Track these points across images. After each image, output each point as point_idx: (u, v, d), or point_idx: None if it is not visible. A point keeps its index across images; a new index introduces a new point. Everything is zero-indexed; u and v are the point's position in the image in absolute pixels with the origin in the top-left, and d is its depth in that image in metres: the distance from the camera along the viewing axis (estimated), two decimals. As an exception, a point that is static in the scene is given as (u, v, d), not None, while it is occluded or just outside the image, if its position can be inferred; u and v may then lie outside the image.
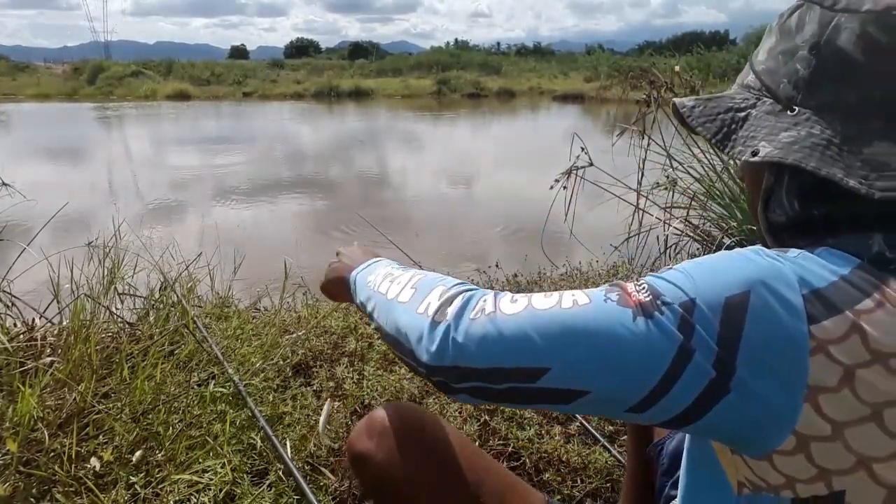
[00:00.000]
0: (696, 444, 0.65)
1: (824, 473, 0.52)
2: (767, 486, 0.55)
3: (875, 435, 0.50)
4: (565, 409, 0.58)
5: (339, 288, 0.90)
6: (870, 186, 0.54)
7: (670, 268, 0.57)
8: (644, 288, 0.55)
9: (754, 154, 0.59)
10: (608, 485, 1.53)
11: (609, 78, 26.10)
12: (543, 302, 0.57)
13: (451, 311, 0.59)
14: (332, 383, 1.88)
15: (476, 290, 0.63)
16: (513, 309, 0.57)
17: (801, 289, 0.51)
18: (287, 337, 2.10)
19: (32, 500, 1.33)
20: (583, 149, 3.58)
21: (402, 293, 0.68)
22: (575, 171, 3.59)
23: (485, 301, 0.59)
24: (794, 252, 0.55)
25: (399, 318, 0.65)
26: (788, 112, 0.60)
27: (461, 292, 0.62)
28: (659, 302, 0.53)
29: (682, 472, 0.69)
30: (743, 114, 0.63)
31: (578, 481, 1.54)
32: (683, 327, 0.52)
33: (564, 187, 3.60)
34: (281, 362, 1.93)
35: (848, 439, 0.50)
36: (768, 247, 0.60)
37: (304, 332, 2.14)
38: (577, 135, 3.63)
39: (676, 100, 0.69)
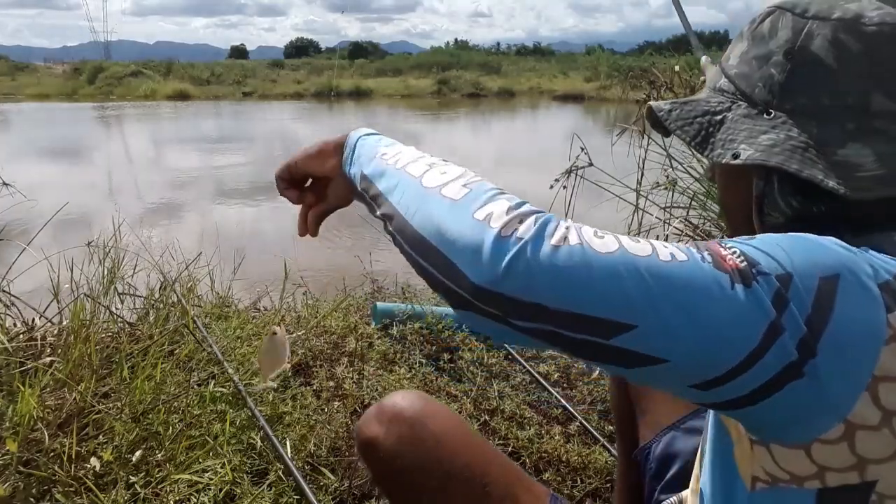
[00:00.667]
0: (715, 437, 0.64)
1: (862, 462, 0.52)
2: (791, 478, 0.54)
3: None
4: (623, 374, 0.52)
5: (321, 156, 0.77)
6: (846, 187, 0.56)
7: (753, 237, 0.53)
8: (736, 253, 0.50)
9: (735, 157, 0.60)
10: (608, 485, 1.53)
11: (609, 78, 26.11)
12: (636, 247, 0.49)
13: (526, 229, 0.49)
14: (331, 383, 1.88)
15: (547, 213, 0.53)
16: (603, 247, 0.49)
17: (875, 279, 0.51)
18: (287, 337, 2.10)
19: (32, 500, 1.33)
20: (582, 149, 3.58)
21: (447, 186, 0.56)
22: (575, 171, 3.59)
23: (567, 228, 0.50)
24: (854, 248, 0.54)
25: (444, 217, 0.53)
26: (765, 115, 0.62)
27: (533, 212, 0.52)
28: (755, 271, 0.49)
29: (705, 466, 0.68)
30: (719, 117, 0.64)
31: (578, 481, 1.54)
32: (777, 302, 0.48)
33: (564, 187, 3.60)
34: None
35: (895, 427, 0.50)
36: None
37: (303, 332, 2.14)
38: (577, 135, 3.63)
39: (653, 103, 0.69)
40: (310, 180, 0.84)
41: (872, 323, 0.49)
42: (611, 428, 1.77)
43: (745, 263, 0.49)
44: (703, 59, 0.75)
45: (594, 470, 1.56)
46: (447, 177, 0.58)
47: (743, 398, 0.50)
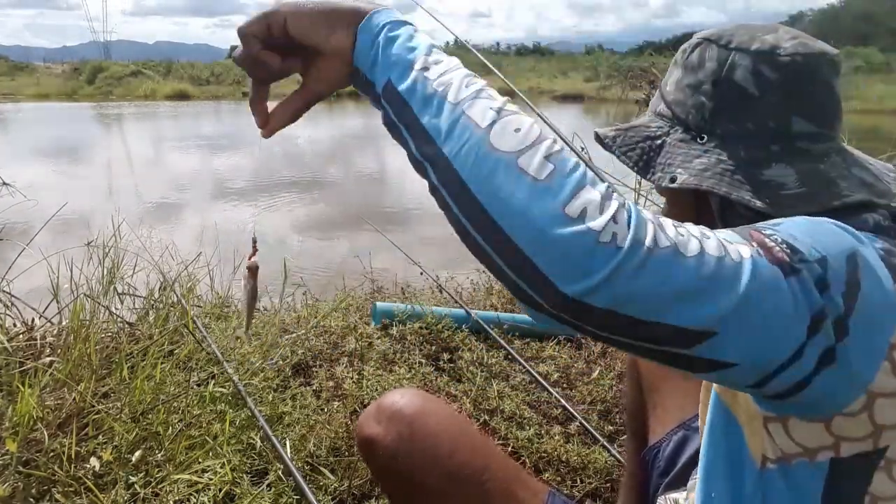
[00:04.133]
0: (718, 423, 0.65)
1: (878, 430, 0.54)
2: (803, 452, 0.56)
3: None
4: (687, 374, 0.49)
5: (326, 22, 0.55)
6: (773, 205, 0.60)
7: (779, 222, 0.52)
8: (778, 241, 0.49)
9: (672, 181, 0.65)
10: (608, 485, 1.53)
11: (609, 78, 26.12)
12: (711, 246, 0.46)
13: (622, 232, 0.43)
14: (331, 383, 1.88)
15: (639, 210, 0.47)
16: (688, 248, 0.45)
17: (876, 252, 0.53)
18: (286, 337, 2.10)
19: (32, 500, 1.33)
20: (583, 148, 3.58)
21: (525, 155, 0.46)
22: None
23: (654, 226, 0.45)
24: None
25: (526, 203, 0.44)
26: (698, 140, 0.67)
27: (619, 203, 0.45)
28: (797, 259, 0.48)
29: (701, 454, 0.69)
30: (659, 142, 0.69)
31: (578, 481, 1.54)
32: (821, 287, 0.47)
33: None
34: (280, 362, 1.93)
35: None
36: None
37: (303, 331, 2.14)
38: (578, 134, 3.63)
39: (599, 130, 0.74)
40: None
41: (888, 293, 0.51)
42: (611, 428, 1.77)
43: (789, 251, 0.48)
44: None
45: (594, 470, 1.56)
46: (522, 137, 0.47)
47: (785, 392, 0.49)
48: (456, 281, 2.86)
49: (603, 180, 0.48)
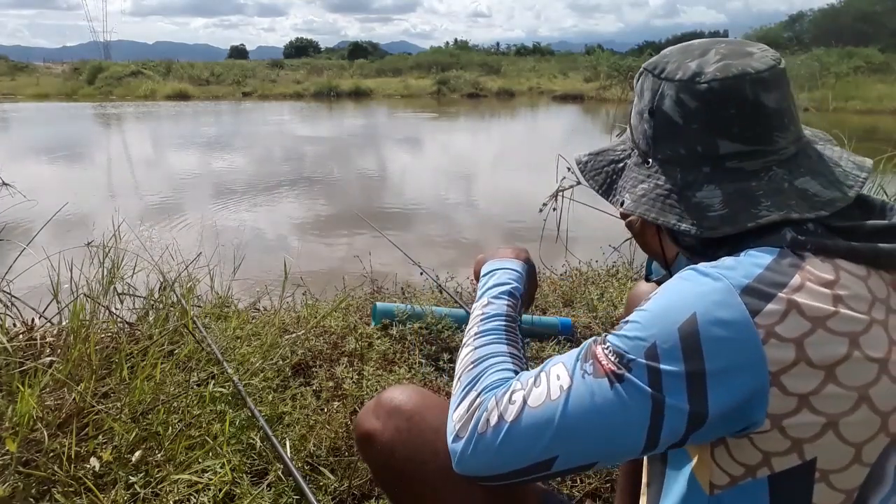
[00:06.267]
0: (667, 458, 0.72)
1: (797, 444, 0.58)
2: (746, 471, 0.61)
3: (834, 393, 0.56)
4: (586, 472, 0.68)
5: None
6: (698, 227, 0.65)
7: (627, 320, 0.63)
8: (610, 351, 0.61)
9: (621, 205, 0.73)
10: (608, 485, 1.53)
11: (609, 78, 26.10)
12: (535, 395, 0.64)
13: (469, 427, 0.66)
14: (331, 383, 1.88)
15: (495, 389, 0.68)
16: (512, 413, 0.64)
17: (735, 291, 0.57)
18: (286, 337, 2.10)
19: (32, 500, 1.33)
20: (568, 168, 3.61)
21: (456, 375, 0.75)
22: (561, 193, 3.63)
23: (488, 412, 0.66)
24: (722, 261, 0.61)
25: (450, 404, 0.73)
26: (645, 164, 0.72)
27: (482, 402, 0.67)
28: (626, 361, 0.59)
29: (647, 484, 0.76)
30: (621, 164, 0.76)
31: (578, 481, 1.54)
32: (652, 378, 0.58)
33: (554, 209, 3.64)
34: (280, 362, 1.93)
35: (814, 404, 0.56)
36: (669, 270, 0.76)
37: (303, 331, 2.14)
38: (572, 143, 3.64)
39: (576, 157, 0.81)
40: None
41: (743, 332, 0.56)
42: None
43: (616, 359, 0.60)
44: None
45: (594, 469, 1.56)
46: (460, 365, 0.76)
47: (678, 443, 0.60)
48: (456, 281, 2.87)
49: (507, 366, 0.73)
